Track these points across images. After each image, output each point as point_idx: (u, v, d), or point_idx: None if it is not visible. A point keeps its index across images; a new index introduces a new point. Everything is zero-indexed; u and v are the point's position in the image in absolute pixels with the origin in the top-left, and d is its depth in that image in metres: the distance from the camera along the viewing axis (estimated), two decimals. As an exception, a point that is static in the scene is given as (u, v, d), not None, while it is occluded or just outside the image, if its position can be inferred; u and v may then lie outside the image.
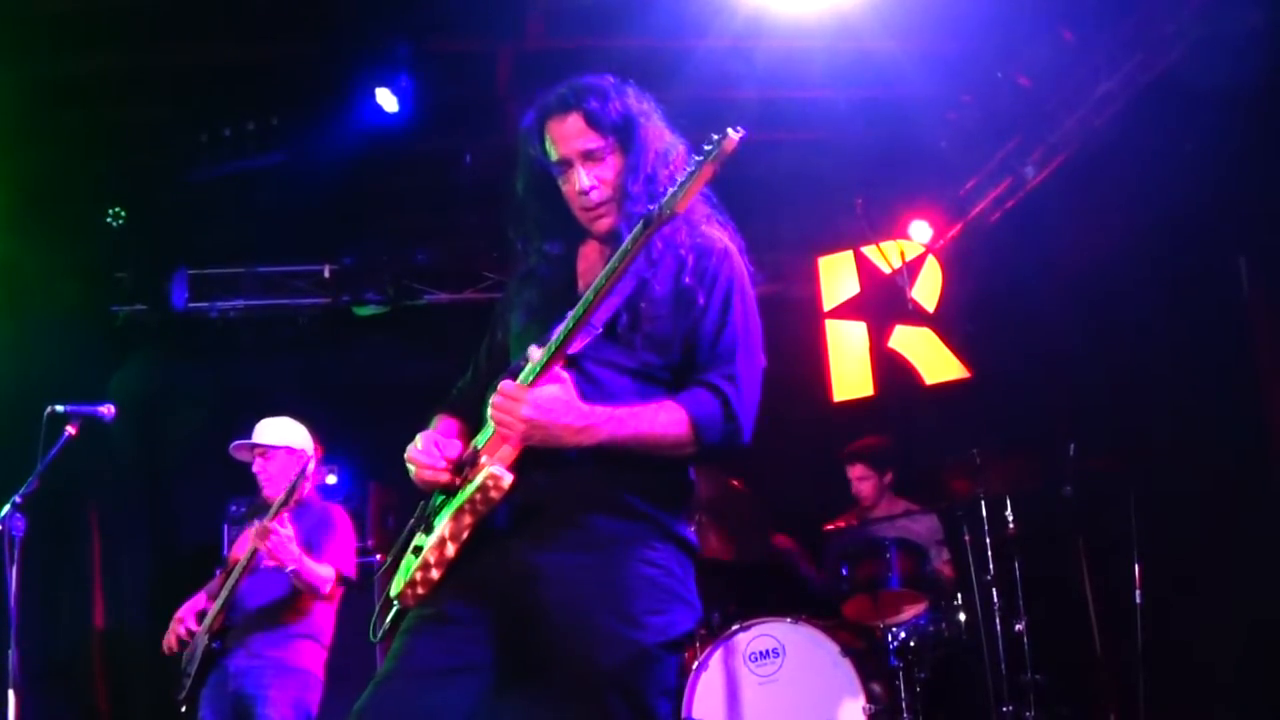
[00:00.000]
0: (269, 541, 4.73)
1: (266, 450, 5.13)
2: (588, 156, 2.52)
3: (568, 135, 2.52)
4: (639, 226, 2.28)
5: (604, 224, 2.56)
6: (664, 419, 2.38)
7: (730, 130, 2.18)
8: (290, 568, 4.77)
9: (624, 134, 2.52)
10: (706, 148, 2.22)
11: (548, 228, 2.66)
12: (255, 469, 5.15)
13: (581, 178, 2.52)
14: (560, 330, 2.37)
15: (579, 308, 2.35)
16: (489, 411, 2.37)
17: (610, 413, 2.35)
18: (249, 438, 5.19)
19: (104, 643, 7.09)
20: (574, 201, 2.57)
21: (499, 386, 2.35)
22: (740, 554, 6.16)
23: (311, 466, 4.93)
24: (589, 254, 2.65)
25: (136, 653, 7.10)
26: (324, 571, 4.91)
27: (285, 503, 4.83)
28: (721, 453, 2.44)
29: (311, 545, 4.96)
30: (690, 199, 2.26)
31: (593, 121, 2.50)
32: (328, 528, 5.11)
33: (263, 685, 4.79)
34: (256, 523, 4.82)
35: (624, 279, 2.37)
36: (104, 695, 7.00)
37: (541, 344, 2.41)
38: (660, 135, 2.57)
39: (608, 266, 2.33)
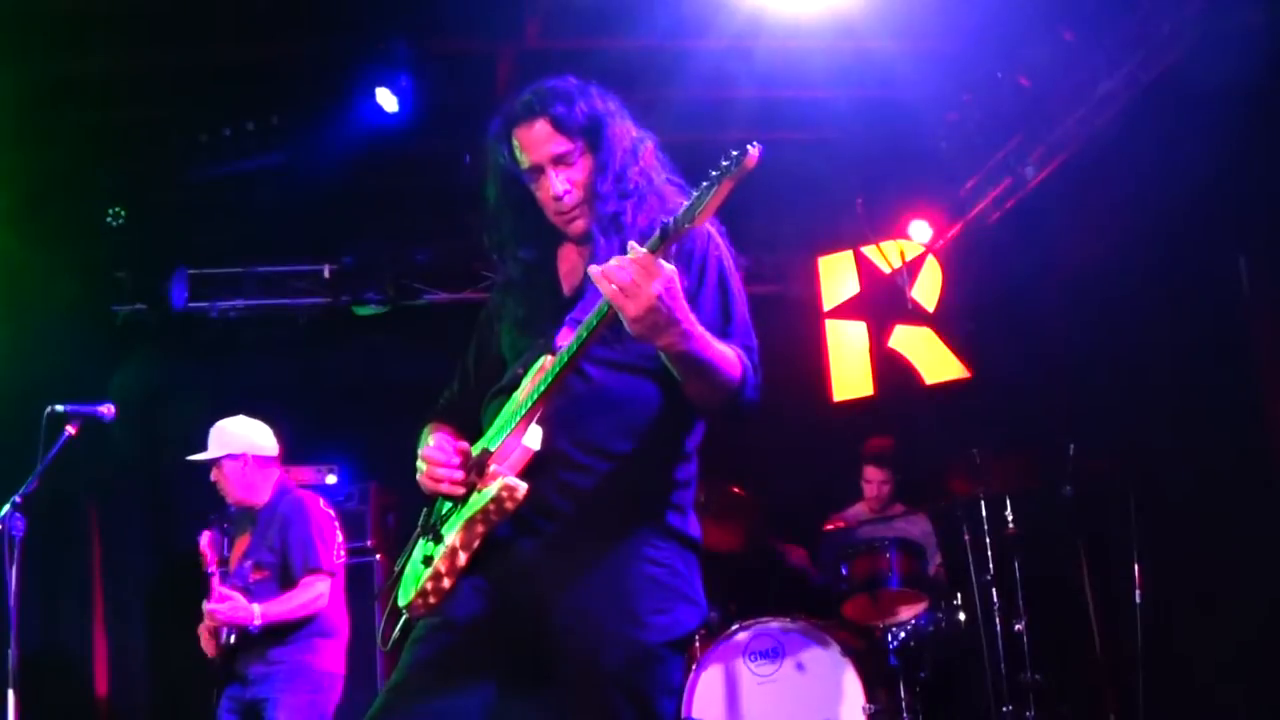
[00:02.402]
0: (218, 620, 4.76)
1: (217, 461, 5.09)
2: (558, 161, 2.51)
3: (536, 141, 2.52)
4: (655, 238, 2.19)
5: (578, 226, 2.55)
6: (731, 356, 2.36)
7: (749, 146, 2.12)
8: (252, 625, 4.76)
9: (592, 135, 2.52)
10: (725, 163, 2.14)
11: (523, 234, 2.66)
12: (213, 478, 5.12)
13: (554, 183, 2.51)
14: (573, 339, 2.33)
15: (592, 318, 2.28)
16: (608, 269, 2.16)
17: (701, 329, 2.28)
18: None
19: (104, 643, 7.09)
20: (548, 206, 2.57)
21: (629, 251, 2.14)
22: (744, 544, 6.18)
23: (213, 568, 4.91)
24: (569, 256, 2.65)
25: (136, 653, 7.11)
26: (302, 597, 4.88)
27: (214, 578, 4.85)
28: (746, 409, 2.40)
29: (287, 559, 4.95)
30: (709, 214, 2.18)
31: (560, 126, 2.50)
32: (291, 529, 5.01)
33: (275, 689, 4.80)
34: (205, 606, 4.81)
35: None
36: (104, 695, 7.00)
37: (550, 352, 2.40)
38: (627, 132, 2.57)
39: None
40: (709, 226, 2.55)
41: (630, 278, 2.14)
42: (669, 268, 2.16)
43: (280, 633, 4.87)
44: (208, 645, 4.96)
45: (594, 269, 2.20)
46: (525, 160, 2.55)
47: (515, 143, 2.56)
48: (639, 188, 2.54)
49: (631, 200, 2.52)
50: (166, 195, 6.67)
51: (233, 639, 4.85)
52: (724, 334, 2.46)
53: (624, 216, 2.50)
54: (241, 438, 5.12)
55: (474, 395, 2.68)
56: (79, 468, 5.02)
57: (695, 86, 5.56)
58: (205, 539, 5.01)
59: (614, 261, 2.17)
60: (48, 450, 4.60)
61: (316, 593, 4.92)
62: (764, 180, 2.16)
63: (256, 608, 4.79)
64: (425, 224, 7.61)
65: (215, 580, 4.90)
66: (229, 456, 5.08)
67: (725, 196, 2.17)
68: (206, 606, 4.79)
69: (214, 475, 5.12)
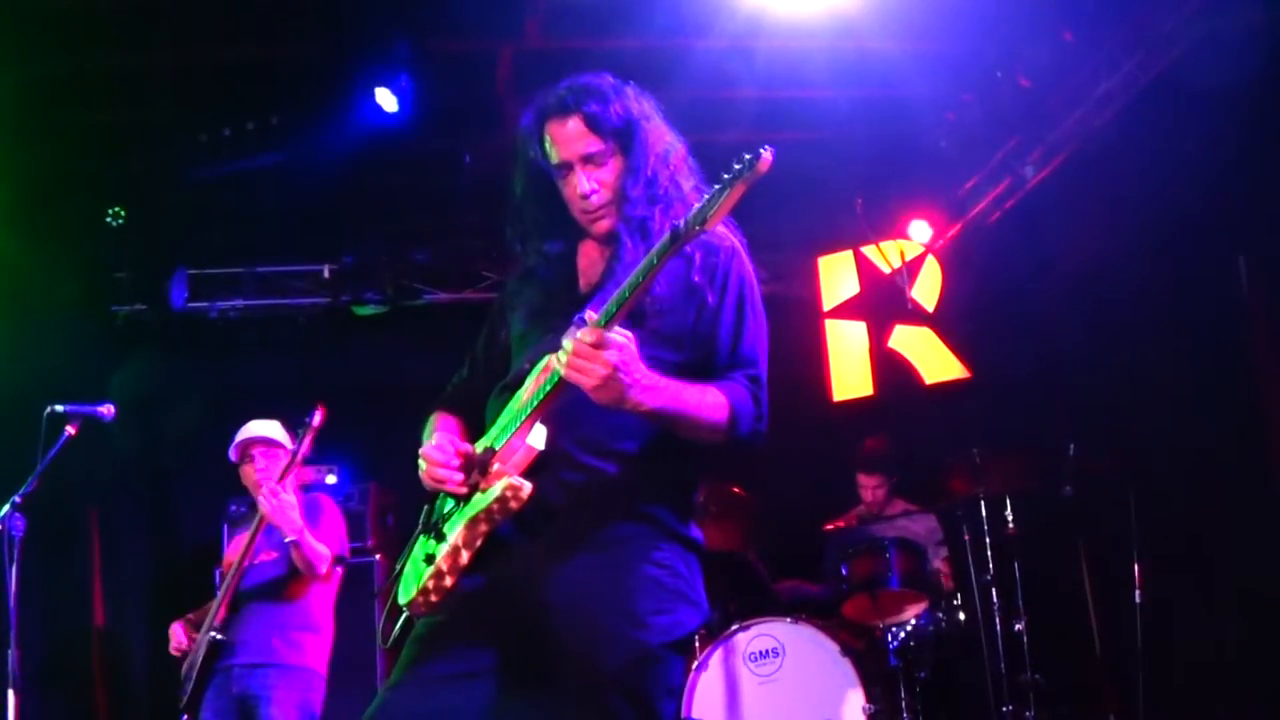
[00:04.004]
0: (272, 503, 4.74)
1: (273, 445, 5.14)
2: (588, 160, 2.51)
3: (568, 138, 2.51)
4: (665, 239, 2.22)
5: (603, 226, 2.55)
6: (710, 401, 2.37)
7: (762, 150, 2.13)
8: (290, 537, 4.78)
9: (624, 137, 2.51)
10: (737, 166, 2.14)
11: (547, 228, 2.65)
12: (258, 466, 5.14)
13: (582, 181, 2.51)
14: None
15: (610, 307, 2.28)
16: (560, 357, 2.24)
17: (669, 380, 2.31)
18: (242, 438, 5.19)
19: (104, 643, 7.09)
20: (574, 204, 2.56)
21: (582, 331, 2.21)
22: (745, 542, 6.18)
23: (305, 440, 4.92)
24: (589, 252, 2.64)
25: (136, 653, 7.11)
26: (322, 549, 4.92)
27: (291, 466, 4.87)
28: (744, 446, 2.42)
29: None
30: (720, 217, 2.19)
31: (593, 125, 2.49)
32: (315, 512, 5.12)
33: (267, 686, 4.79)
34: (264, 486, 4.83)
35: (646, 291, 2.30)
36: (103, 695, 7.00)
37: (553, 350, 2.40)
38: (660, 137, 2.56)
39: (630, 279, 2.26)
40: (733, 239, 2.56)
41: (583, 356, 2.19)
42: (620, 338, 2.20)
43: (267, 623, 4.89)
44: (178, 643, 4.96)
45: (550, 358, 2.28)
46: (555, 155, 2.54)
47: (547, 137, 2.54)
48: (667, 194, 2.53)
49: (660, 206, 2.51)
50: (166, 195, 6.68)
51: (201, 653, 4.84)
52: (730, 359, 2.46)
53: (651, 222, 2.50)
54: (287, 437, 5.20)
55: (482, 382, 2.68)
56: (79, 468, 5.03)
57: (695, 86, 5.56)
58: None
59: (567, 344, 2.22)
60: (48, 450, 4.60)
61: (329, 555, 4.95)
62: (765, 180, 2.16)
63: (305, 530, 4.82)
64: (425, 224, 7.61)
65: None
66: (286, 449, 5.14)
67: (737, 200, 2.17)
68: (267, 487, 4.78)
69: (259, 463, 5.13)
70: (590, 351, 2.19)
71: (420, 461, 2.47)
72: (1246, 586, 5.00)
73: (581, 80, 2.55)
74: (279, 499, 4.77)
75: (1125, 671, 5.23)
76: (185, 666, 4.93)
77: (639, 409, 2.26)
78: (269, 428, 5.22)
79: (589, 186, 2.51)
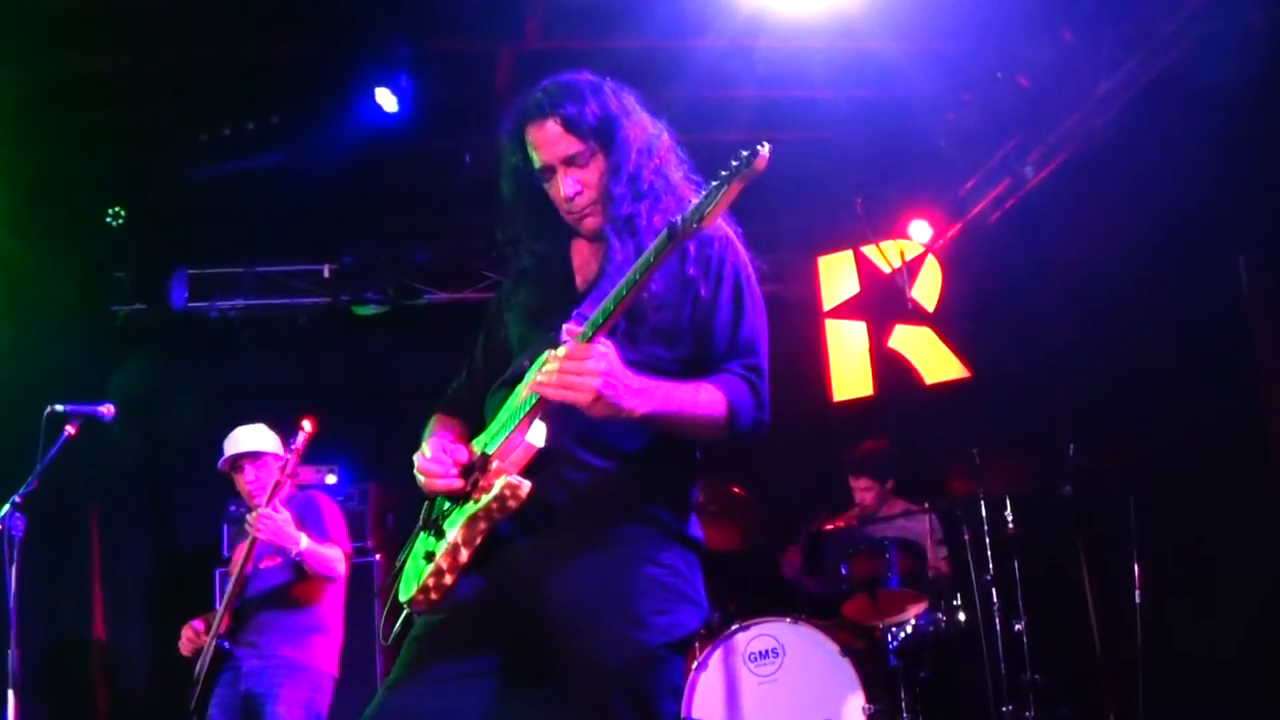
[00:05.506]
0: (265, 527, 4.73)
1: (259, 456, 5.12)
2: (569, 162, 2.50)
3: (547, 141, 2.50)
4: (662, 236, 2.21)
5: (591, 224, 2.55)
6: (705, 398, 2.37)
7: (759, 147, 2.12)
8: (294, 550, 4.77)
9: (603, 136, 2.50)
10: (734, 163, 2.14)
11: (538, 230, 2.65)
12: (248, 478, 5.12)
13: (564, 184, 2.51)
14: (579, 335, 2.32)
15: (597, 317, 2.27)
16: (548, 372, 2.24)
17: (659, 383, 2.31)
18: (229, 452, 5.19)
19: (103, 643, 7.09)
20: (560, 205, 2.56)
21: (563, 349, 2.23)
22: (746, 543, 6.18)
23: (291, 460, 4.92)
24: (582, 250, 2.64)
25: (136, 653, 7.12)
26: (331, 553, 4.93)
27: (274, 493, 4.85)
28: (746, 440, 2.42)
29: (307, 532, 4.96)
30: (718, 215, 2.18)
31: (571, 127, 2.48)
32: (315, 512, 5.12)
33: (274, 684, 4.80)
34: (249, 516, 4.83)
35: (643, 289, 2.30)
36: (104, 695, 7.00)
37: (555, 346, 2.39)
38: (642, 131, 2.55)
39: (627, 277, 2.26)
40: (728, 229, 2.55)
41: (573, 373, 2.19)
42: (602, 348, 2.20)
43: (276, 625, 4.88)
44: (187, 645, 4.97)
45: (529, 383, 2.31)
46: (537, 159, 2.54)
47: (528, 141, 2.54)
48: (654, 187, 2.52)
49: (646, 201, 2.50)
50: (166, 195, 6.68)
51: (208, 659, 4.84)
52: (729, 351, 2.46)
53: (639, 219, 2.49)
54: (274, 441, 5.19)
55: (481, 385, 2.68)
56: (79, 468, 5.03)
57: (695, 86, 5.56)
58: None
59: (550, 364, 2.22)
60: (48, 450, 4.60)
61: (339, 555, 4.97)
62: (764, 180, 2.16)
63: (304, 537, 4.81)
64: (425, 224, 7.62)
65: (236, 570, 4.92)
66: (274, 455, 5.14)
67: (734, 197, 2.17)
68: (256, 514, 4.78)
69: (249, 474, 5.12)
70: (580, 368, 2.20)
71: (418, 475, 2.45)
72: (1246, 586, 5.00)
73: (558, 81, 2.55)
74: (272, 522, 4.75)
75: (1125, 671, 5.23)
76: (196, 669, 4.94)
77: (630, 416, 2.26)
78: (254, 438, 5.18)
79: (573, 189, 2.50)
